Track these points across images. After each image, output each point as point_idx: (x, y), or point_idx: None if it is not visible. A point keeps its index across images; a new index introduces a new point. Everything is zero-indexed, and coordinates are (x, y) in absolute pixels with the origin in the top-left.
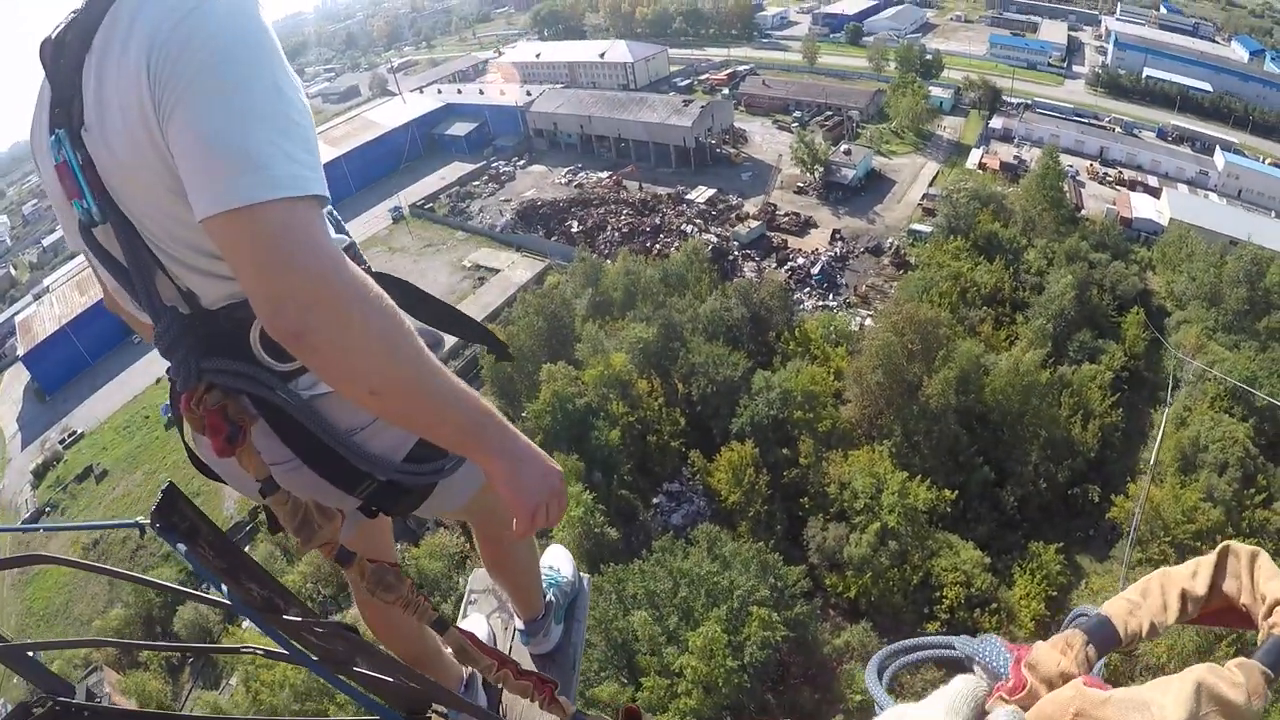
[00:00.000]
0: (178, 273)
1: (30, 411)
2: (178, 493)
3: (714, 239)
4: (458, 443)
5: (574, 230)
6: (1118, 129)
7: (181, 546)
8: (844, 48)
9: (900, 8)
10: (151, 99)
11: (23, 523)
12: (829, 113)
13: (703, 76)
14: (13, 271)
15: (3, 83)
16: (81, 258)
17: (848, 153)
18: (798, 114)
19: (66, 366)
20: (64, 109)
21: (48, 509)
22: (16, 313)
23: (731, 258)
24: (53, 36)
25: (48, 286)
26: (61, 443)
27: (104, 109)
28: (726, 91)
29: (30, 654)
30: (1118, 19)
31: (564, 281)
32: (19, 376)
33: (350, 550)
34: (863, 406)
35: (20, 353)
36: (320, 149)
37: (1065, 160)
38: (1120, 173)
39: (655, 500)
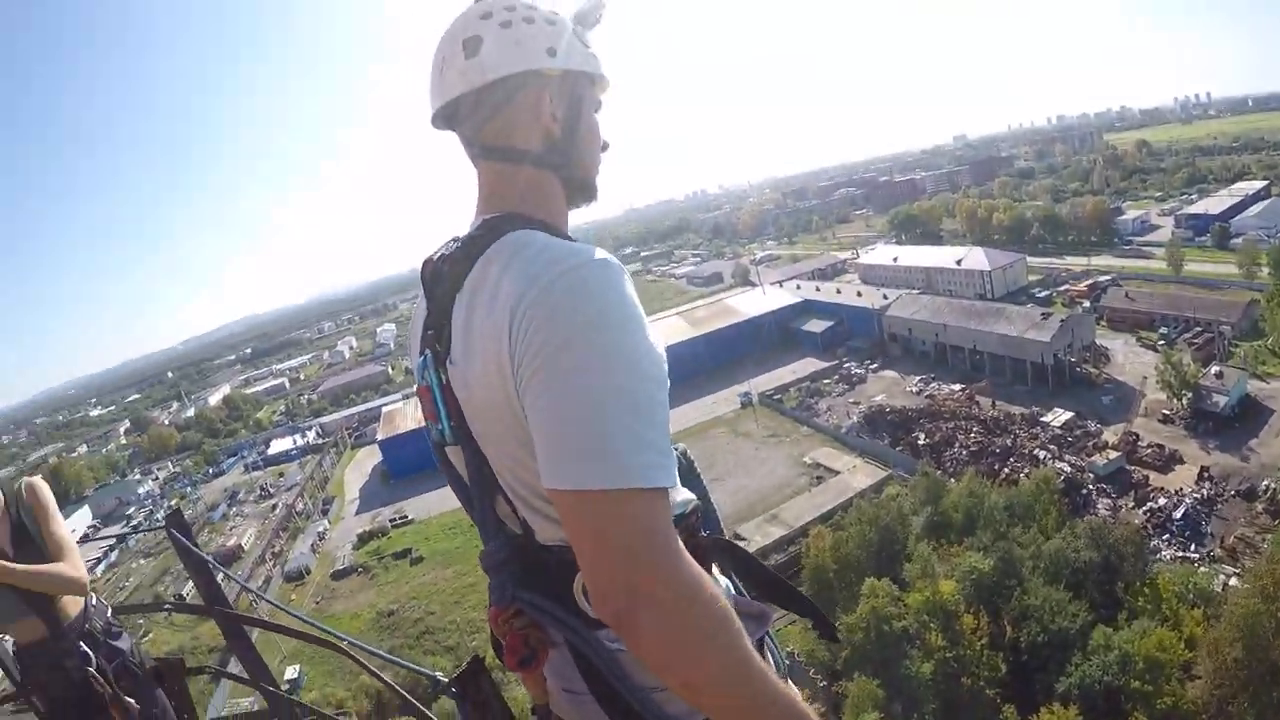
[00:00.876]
0: (517, 505)
1: (373, 487)
2: (482, 667)
3: (1067, 468)
4: None
5: (920, 442)
6: None
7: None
8: (1210, 252)
9: (1267, 202)
10: (511, 362)
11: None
12: (1197, 328)
13: (1062, 287)
14: (390, 371)
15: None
16: None
17: (1219, 375)
18: (1163, 330)
19: (414, 461)
20: (435, 333)
21: (359, 569)
22: (385, 404)
23: (1085, 491)
24: (433, 258)
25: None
26: (391, 521)
27: (469, 351)
28: (1087, 304)
29: None
30: None
31: (903, 494)
32: (373, 456)
33: None
34: (1214, 686)
35: (379, 438)
36: (681, 328)
37: None
38: None
39: None
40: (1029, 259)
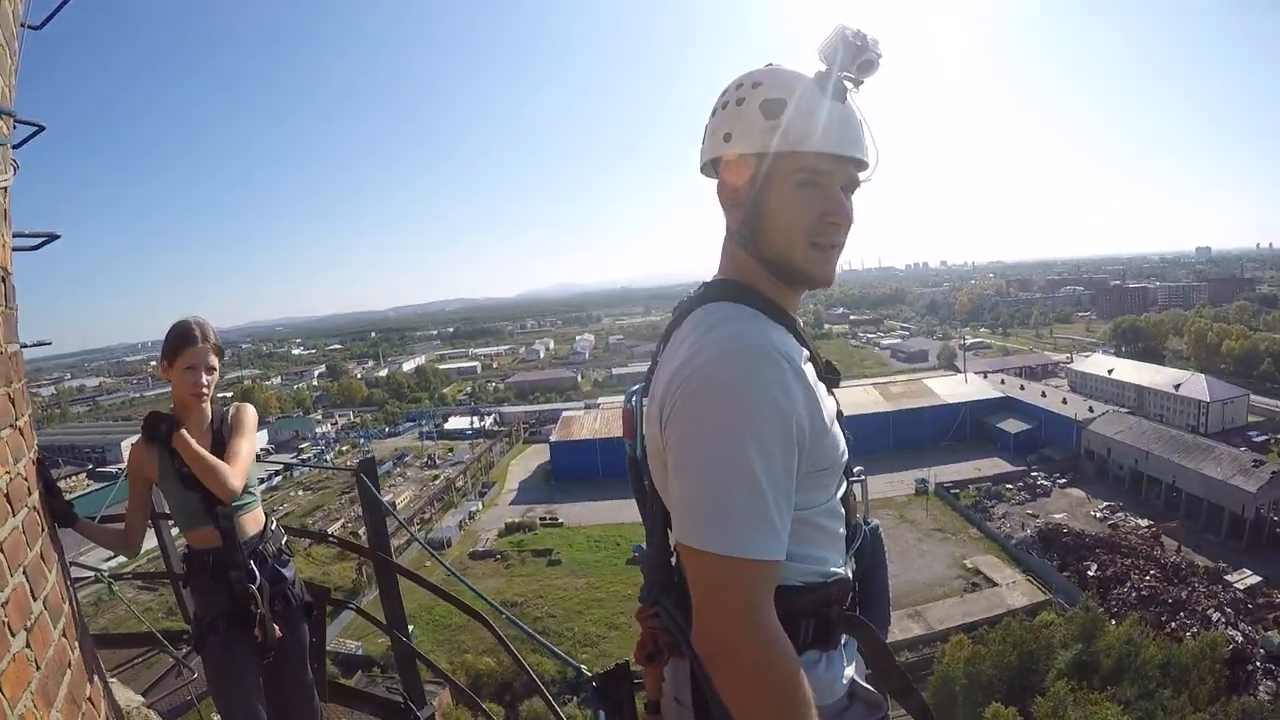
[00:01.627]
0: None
1: (533, 482)
2: (627, 673)
3: (1239, 637)
4: None
5: (1090, 573)
6: None
7: (602, 714)
8: None
9: None
10: (660, 427)
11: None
12: None
13: None
14: (579, 379)
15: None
16: None
17: None
18: None
19: (579, 469)
20: (648, 373)
21: (497, 556)
22: (566, 409)
23: (1251, 667)
24: (682, 301)
25: (600, 404)
26: (541, 519)
27: (654, 397)
28: None
29: None
30: None
31: (1057, 623)
32: (541, 455)
33: None
34: None
35: (552, 438)
36: (873, 399)
37: None
38: None
39: None
40: (1254, 397)
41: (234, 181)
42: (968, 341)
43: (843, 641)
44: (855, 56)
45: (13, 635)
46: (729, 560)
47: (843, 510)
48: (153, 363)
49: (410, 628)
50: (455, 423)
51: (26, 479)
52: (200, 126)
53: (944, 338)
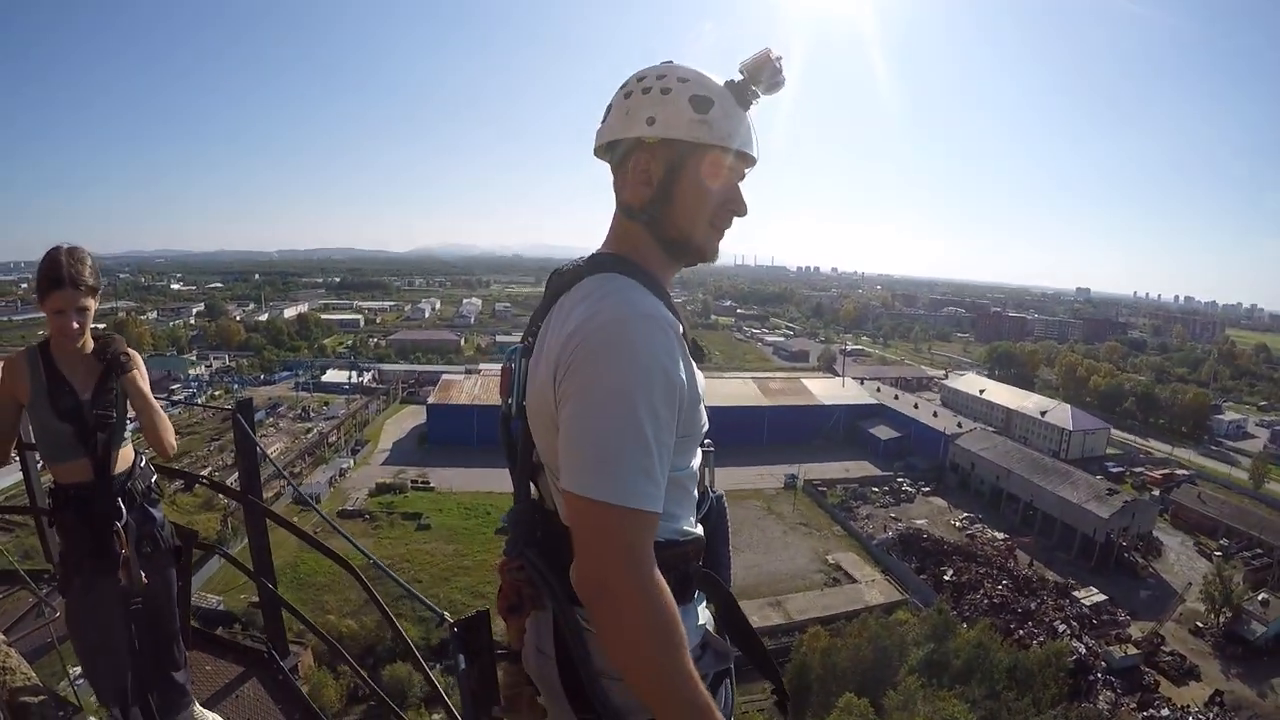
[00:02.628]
0: (549, 481)
1: (407, 445)
2: (487, 620)
3: (1083, 649)
4: None
5: (946, 578)
6: None
7: (461, 658)
8: None
9: None
10: (554, 382)
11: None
12: (1259, 550)
13: (1138, 469)
14: (462, 344)
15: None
16: None
17: (1264, 603)
18: (1224, 541)
19: (455, 433)
20: (532, 329)
21: (366, 515)
22: (446, 372)
23: (1092, 678)
24: (560, 270)
25: (481, 369)
26: (413, 482)
27: (540, 358)
28: (1157, 493)
29: None
30: None
31: (911, 623)
32: (417, 416)
33: None
34: None
35: (430, 400)
36: (751, 393)
37: None
38: None
39: None
40: (1115, 431)
41: (122, 101)
42: (849, 347)
43: (695, 596)
44: (771, 78)
45: None
46: (616, 509)
47: (698, 476)
48: (23, 285)
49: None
50: (333, 376)
51: None
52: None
53: (827, 341)
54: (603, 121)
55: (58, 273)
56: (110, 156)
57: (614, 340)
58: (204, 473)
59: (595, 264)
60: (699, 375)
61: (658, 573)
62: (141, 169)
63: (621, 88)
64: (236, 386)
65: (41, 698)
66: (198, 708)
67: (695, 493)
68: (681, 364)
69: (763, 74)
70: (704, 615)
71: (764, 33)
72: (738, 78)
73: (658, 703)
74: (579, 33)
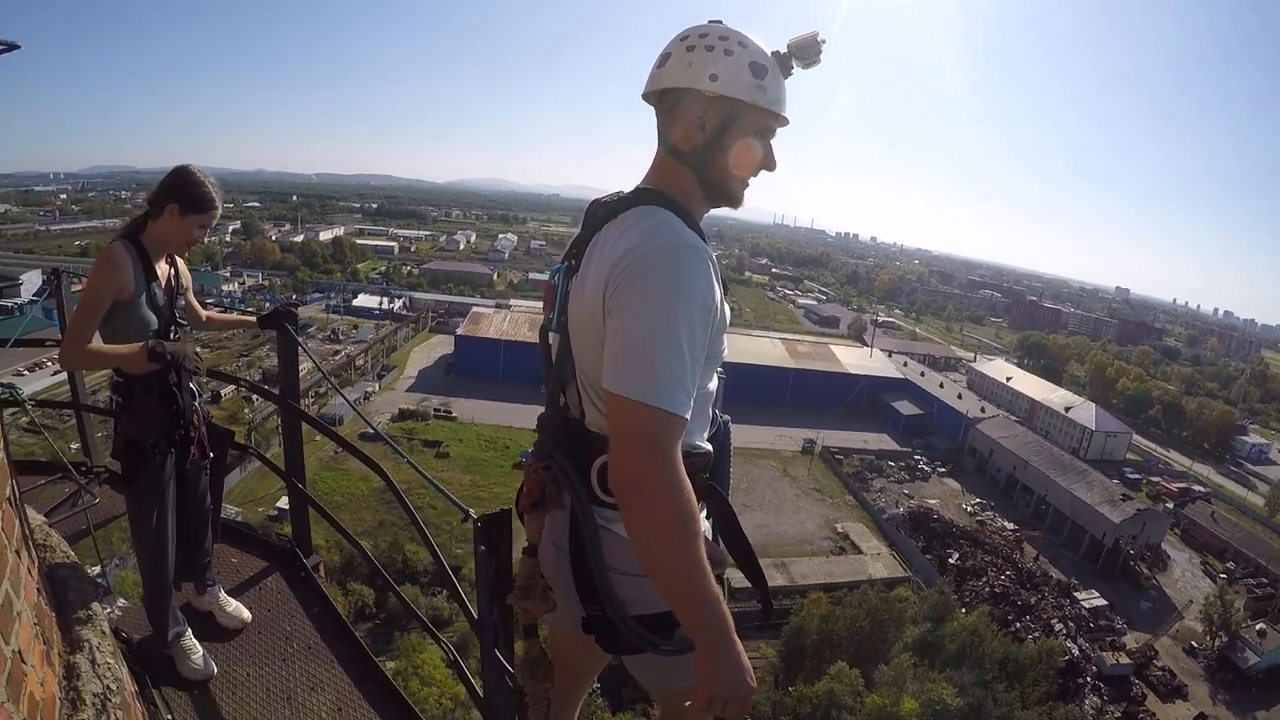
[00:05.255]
0: (582, 393)
1: (433, 373)
2: (508, 518)
3: (1076, 651)
4: (689, 623)
5: (951, 561)
6: None
7: (483, 548)
8: None
9: None
10: (603, 297)
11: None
12: (1264, 579)
13: (1155, 478)
14: (494, 278)
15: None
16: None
17: (1261, 633)
18: (1231, 565)
19: (481, 366)
20: (575, 251)
21: (386, 441)
22: (477, 304)
23: (1081, 680)
24: (600, 200)
25: (511, 305)
26: (435, 410)
27: (586, 276)
28: (1171, 506)
29: None
30: None
31: (911, 601)
32: (445, 346)
33: (536, 630)
34: None
35: (459, 332)
36: (778, 353)
37: None
38: None
39: None
40: (1137, 437)
41: (171, 13)
42: (880, 319)
43: (700, 506)
44: (813, 57)
45: None
46: (654, 409)
47: (713, 397)
48: (61, 196)
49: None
50: (364, 300)
51: None
52: None
53: (859, 310)
54: (659, 67)
55: (213, 197)
56: (154, 73)
57: (664, 263)
58: (228, 390)
59: (641, 196)
60: (726, 306)
61: (684, 470)
62: (184, 85)
63: (681, 39)
64: (268, 304)
65: (79, 575)
66: (222, 593)
67: (709, 411)
68: (718, 292)
69: (808, 53)
70: (705, 525)
71: None
72: (782, 49)
73: (676, 588)
74: None
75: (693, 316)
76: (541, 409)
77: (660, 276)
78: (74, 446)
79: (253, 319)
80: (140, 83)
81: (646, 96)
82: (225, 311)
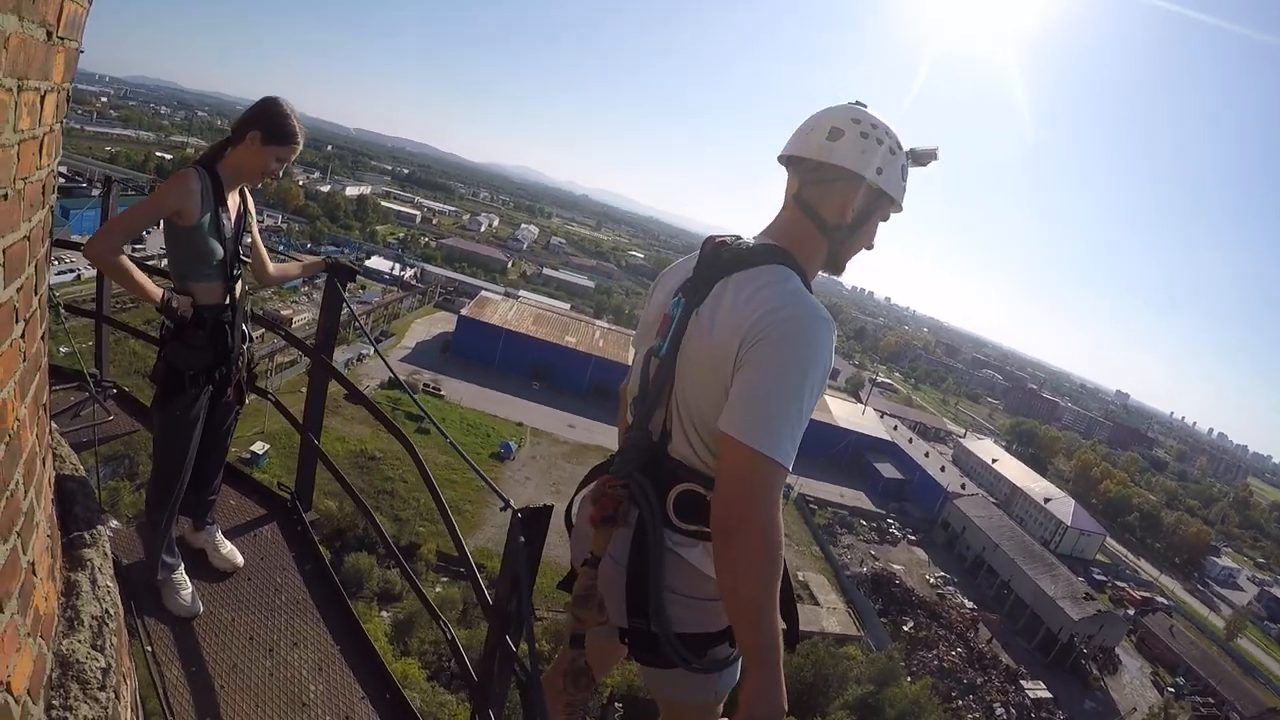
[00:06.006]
0: (672, 420)
1: (429, 349)
2: (548, 515)
3: None
4: (750, 650)
5: (905, 628)
6: None
7: (522, 539)
8: (1271, 643)
9: None
10: (740, 344)
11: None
12: (1210, 699)
13: (1121, 583)
14: (509, 266)
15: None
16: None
17: None
18: (1180, 680)
19: (478, 351)
20: (694, 288)
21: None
22: (487, 289)
23: None
24: (719, 240)
25: (520, 295)
26: (425, 385)
27: (715, 317)
28: (1131, 613)
29: None
30: None
31: (859, 660)
32: (447, 323)
33: (584, 640)
34: None
35: (463, 312)
36: None
37: None
38: None
39: None
40: (1110, 540)
41: None
42: (879, 378)
43: None
44: (927, 162)
45: (15, 322)
46: (768, 459)
47: None
48: (103, 99)
49: (265, 446)
50: (376, 263)
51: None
52: None
53: (859, 366)
54: (830, 140)
55: (293, 129)
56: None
57: (801, 331)
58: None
59: (774, 254)
60: None
61: (781, 517)
62: (240, 8)
63: (854, 121)
64: (281, 248)
65: (86, 490)
66: (219, 533)
67: None
68: (832, 358)
69: (925, 160)
70: None
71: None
72: (908, 149)
73: (750, 619)
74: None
75: (816, 383)
76: (528, 402)
77: (796, 342)
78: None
79: (321, 261)
80: (208, 12)
81: (791, 158)
82: (286, 261)
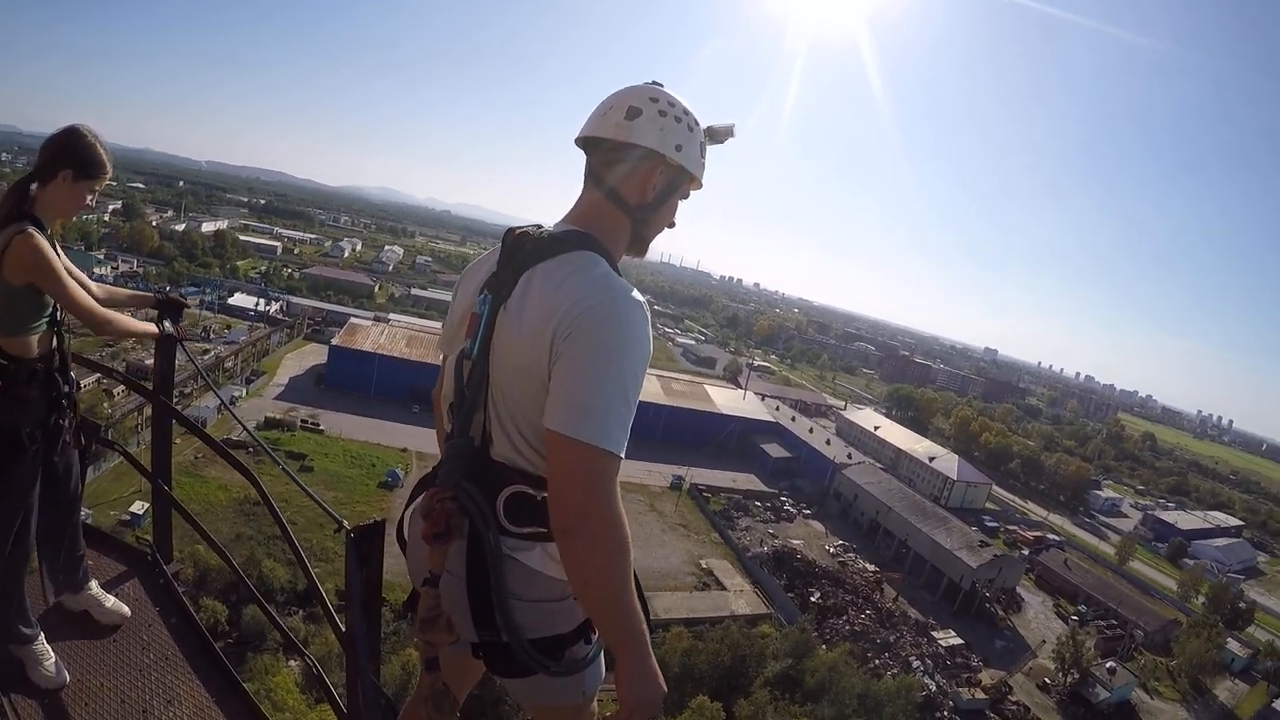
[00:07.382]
0: (492, 421)
1: (303, 383)
2: (382, 530)
3: (933, 688)
4: (615, 641)
5: (812, 599)
6: None
7: (355, 560)
8: (1160, 561)
9: (1234, 541)
10: (552, 337)
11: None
12: (1113, 621)
13: (1011, 526)
14: (376, 290)
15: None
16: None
17: (1111, 671)
18: (1082, 608)
19: (353, 379)
20: (499, 283)
21: (250, 449)
22: (356, 315)
23: (939, 715)
24: (521, 231)
25: (390, 319)
26: (303, 422)
27: (523, 312)
28: (1026, 553)
29: None
30: None
31: (773, 637)
32: (318, 355)
33: (438, 663)
34: None
35: (334, 342)
36: (653, 390)
37: None
38: None
39: None
40: (996, 488)
41: None
42: (756, 362)
43: None
44: (723, 139)
45: None
46: (603, 451)
47: None
48: None
49: (145, 505)
50: (240, 300)
51: None
52: None
53: (736, 353)
54: (629, 119)
55: (102, 159)
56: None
57: (615, 317)
58: (90, 379)
59: (577, 240)
60: None
61: (622, 505)
62: (75, 46)
63: (651, 100)
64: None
65: None
66: (96, 586)
67: None
68: (650, 339)
69: (722, 138)
70: None
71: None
72: (705, 126)
73: (608, 611)
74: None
75: (636, 367)
76: (410, 426)
77: (612, 329)
78: None
79: (150, 296)
80: (31, 41)
81: (589, 140)
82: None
